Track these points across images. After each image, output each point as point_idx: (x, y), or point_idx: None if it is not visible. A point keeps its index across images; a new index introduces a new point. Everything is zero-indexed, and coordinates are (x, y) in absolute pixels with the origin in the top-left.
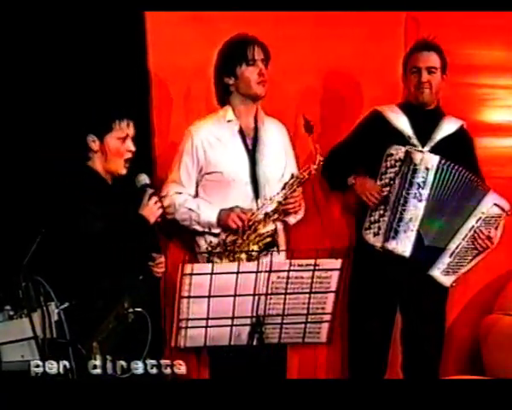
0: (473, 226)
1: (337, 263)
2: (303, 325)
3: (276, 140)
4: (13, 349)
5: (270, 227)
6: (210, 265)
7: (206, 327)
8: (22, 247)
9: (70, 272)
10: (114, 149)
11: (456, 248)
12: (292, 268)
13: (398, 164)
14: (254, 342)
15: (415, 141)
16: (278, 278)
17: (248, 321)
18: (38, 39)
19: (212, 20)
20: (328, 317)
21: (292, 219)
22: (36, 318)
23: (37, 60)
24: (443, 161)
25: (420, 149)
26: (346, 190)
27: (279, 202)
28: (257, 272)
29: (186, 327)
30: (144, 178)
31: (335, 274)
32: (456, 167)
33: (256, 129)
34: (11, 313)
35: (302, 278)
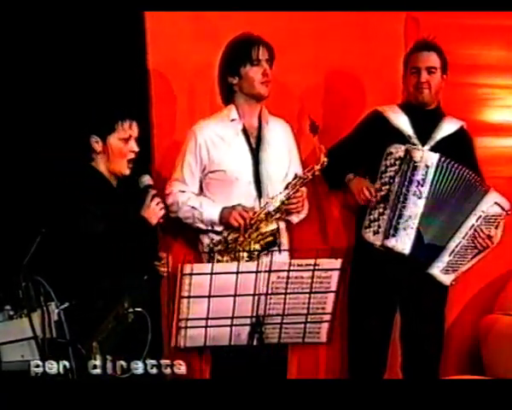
0: (473, 225)
1: (337, 263)
2: (303, 325)
3: (280, 140)
4: (13, 349)
5: (272, 226)
6: (210, 265)
7: (206, 327)
8: (22, 247)
9: (70, 272)
10: (117, 150)
11: (456, 246)
12: (292, 268)
13: (397, 162)
14: (254, 342)
15: (415, 140)
16: (278, 277)
17: (248, 321)
18: (40, 41)
19: (215, 19)
20: (328, 317)
21: (295, 219)
22: (36, 318)
23: (40, 62)
24: (443, 159)
25: (420, 147)
26: (344, 189)
27: (282, 202)
28: (257, 272)
29: (186, 327)
30: (147, 179)
31: (335, 274)
32: (456, 165)
33: (260, 128)
34: (11, 313)
35: (302, 277)
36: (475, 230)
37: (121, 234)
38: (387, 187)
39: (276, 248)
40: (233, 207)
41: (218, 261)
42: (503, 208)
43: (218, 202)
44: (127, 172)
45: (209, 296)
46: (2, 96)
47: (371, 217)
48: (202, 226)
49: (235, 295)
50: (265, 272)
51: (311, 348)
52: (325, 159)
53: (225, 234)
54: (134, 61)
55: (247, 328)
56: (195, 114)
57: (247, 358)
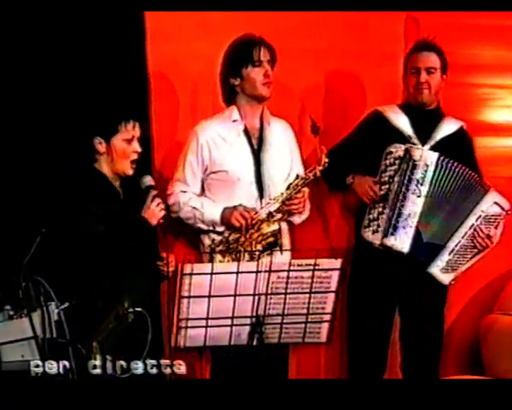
0: (473, 224)
1: (337, 263)
2: (303, 325)
3: (281, 140)
4: (13, 349)
5: (273, 227)
6: (210, 265)
7: (206, 327)
8: (22, 247)
9: (70, 272)
10: (120, 151)
11: (456, 246)
12: (292, 268)
13: (397, 162)
14: (254, 342)
15: (415, 141)
16: (278, 277)
17: (248, 321)
18: (41, 42)
19: (216, 19)
20: (328, 317)
21: (297, 219)
22: (36, 318)
23: (42, 64)
24: (442, 158)
25: (420, 146)
26: (345, 189)
27: (283, 202)
28: (257, 272)
29: (186, 327)
30: (148, 180)
31: (335, 274)
32: (455, 165)
33: (261, 129)
34: (11, 312)
35: (302, 277)
36: (475, 229)
37: (121, 234)
38: (387, 186)
39: (277, 249)
40: (234, 208)
41: (220, 262)
42: (502, 208)
43: (220, 202)
44: (130, 172)
45: (209, 296)
46: (6, 99)
47: (370, 216)
48: (203, 227)
49: (235, 295)
50: (265, 272)
51: (311, 348)
52: (326, 159)
53: (226, 234)
54: (134, 62)
55: (247, 328)
56: (197, 114)
57: (247, 358)
